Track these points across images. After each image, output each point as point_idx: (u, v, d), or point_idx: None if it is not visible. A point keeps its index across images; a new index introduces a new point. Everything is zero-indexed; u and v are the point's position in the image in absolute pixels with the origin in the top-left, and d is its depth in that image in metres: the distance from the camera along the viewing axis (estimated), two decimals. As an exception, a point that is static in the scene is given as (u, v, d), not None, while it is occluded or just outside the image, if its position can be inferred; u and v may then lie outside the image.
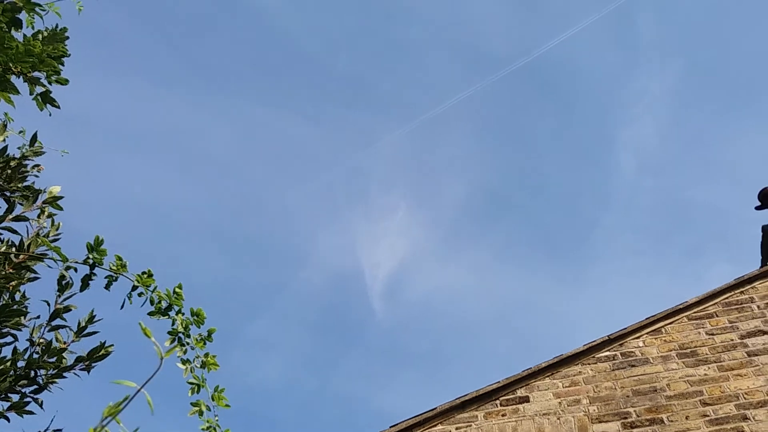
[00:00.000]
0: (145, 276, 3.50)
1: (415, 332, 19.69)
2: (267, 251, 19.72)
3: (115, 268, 3.55)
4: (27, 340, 3.72)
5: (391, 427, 5.25)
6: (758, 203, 6.59)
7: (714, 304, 5.86)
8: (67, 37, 3.80)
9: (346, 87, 19.96)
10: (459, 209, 20.52)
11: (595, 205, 20.10)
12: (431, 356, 18.83)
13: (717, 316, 5.78)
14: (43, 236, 3.78)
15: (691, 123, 19.12)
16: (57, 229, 3.89)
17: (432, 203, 20.66)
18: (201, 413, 3.34)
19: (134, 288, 3.49)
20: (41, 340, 3.77)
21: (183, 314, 3.51)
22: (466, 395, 5.43)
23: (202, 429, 3.23)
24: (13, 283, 3.65)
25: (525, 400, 5.41)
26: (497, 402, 5.43)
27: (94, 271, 3.58)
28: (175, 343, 3.45)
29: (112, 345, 3.82)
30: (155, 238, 16.86)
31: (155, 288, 3.49)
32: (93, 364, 3.82)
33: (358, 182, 20.56)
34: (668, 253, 18.64)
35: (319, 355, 18.85)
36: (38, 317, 3.75)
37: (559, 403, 5.39)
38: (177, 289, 3.49)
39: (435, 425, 5.33)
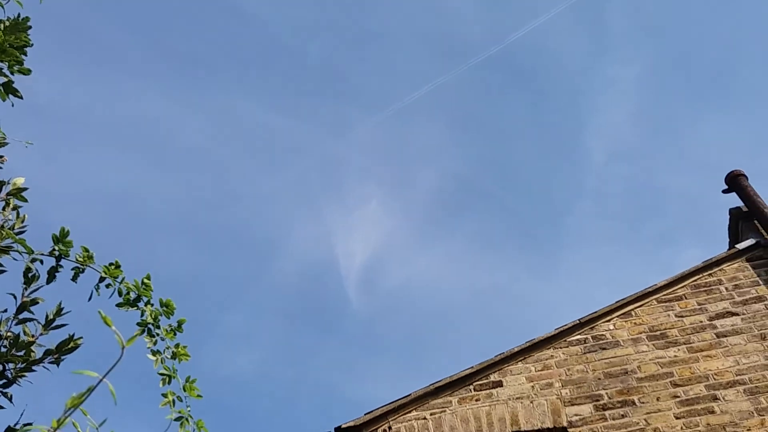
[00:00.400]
0: (113, 267, 3.47)
1: (392, 321, 19.78)
2: (240, 242, 19.65)
3: (81, 259, 3.51)
4: (-7, 334, 3.68)
5: (365, 414, 5.26)
6: (725, 187, 6.68)
7: (683, 287, 5.94)
8: (30, 27, 3.74)
9: (319, 76, 19.93)
10: (432, 198, 20.61)
11: (568, 192, 20.30)
12: (408, 345, 18.96)
13: (686, 298, 5.86)
14: (8, 229, 3.72)
15: (660, 110, 19.34)
16: (22, 222, 3.83)
17: (406, 192, 20.72)
18: (173, 404, 3.32)
19: (102, 279, 3.46)
20: (8, 334, 3.72)
21: (152, 305, 3.49)
22: (440, 381, 5.46)
23: (171, 419, 3.21)
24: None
25: (498, 384, 5.45)
26: (471, 387, 5.46)
27: (60, 263, 3.53)
28: (138, 331, 3.42)
29: (81, 337, 3.78)
30: (126, 230, 16.73)
31: (123, 279, 3.45)
32: (62, 357, 3.78)
33: (332, 171, 20.57)
34: (640, 240, 18.88)
35: (295, 346, 18.87)
36: (5, 311, 3.70)
37: (532, 387, 5.44)
38: (145, 280, 3.47)
39: (410, 411, 5.35)
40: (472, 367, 5.54)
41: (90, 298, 3.47)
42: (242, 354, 18.40)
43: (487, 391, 5.44)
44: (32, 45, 3.73)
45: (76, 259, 3.50)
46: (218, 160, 19.37)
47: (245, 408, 18.06)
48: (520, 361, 5.60)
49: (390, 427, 5.26)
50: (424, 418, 5.29)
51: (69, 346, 3.76)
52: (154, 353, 3.43)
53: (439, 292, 19.92)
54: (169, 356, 3.46)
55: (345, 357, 18.62)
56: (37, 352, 3.69)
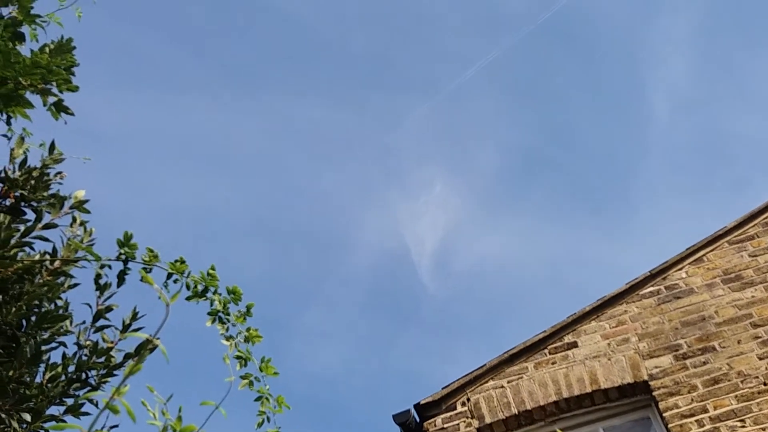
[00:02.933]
0: (178, 263, 3.59)
1: (469, 302, 19.95)
2: (310, 240, 20.08)
3: (147, 259, 3.65)
4: (74, 343, 3.85)
5: (443, 388, 5.31)
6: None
7: (754, 226, 5.82)
8: (74, 47, 3.90)
9: (365, 67, 20.10)
10: (495, 174, 20.68)
11: (633, 150, 19.99)
12: (487, 323, 19.07)
13: (758, 237, 5.75)
14: (78, 242, 3.89)
15: (721, 57, 18.75)
16: (90, 235, 4.00)
17: (468, 172, 20.81)
18: (251, 384, 3.43)
19: (169, 276, 3.59)
20: (88, 342, 3.89)
21: (220, 294, 3.61)
22: (513, 348, 5.49)
23: (236, 382, 3.34)
24: (51, 289, 3.76)
25: (573, 345, 5.45)
26: (545, 351, 5.48)
27: (128, 266, 3.68)
28: (210, 320, 3.54)
29: (158, 338, 3.93)
30: (197, 242, 17.21)
31: (189, 273, 3.58)
32: (142, 359, 3.93)
33: (391, 161, 20.81)
34: (714, 190, 18.43)
35: (376, 337, 19.20)
36: (83, 323, 3.88)
37: (608, 344, 5.42)
38: (211, 271, 3.59)
39: (486, 381, 5.38)
40: (545, 331, 5.57)
41: (160, 296, 3.61)
42: (324, 350, 18.78)
43: (563, 353, 5.44)
44: (78, 64, 3.90)
45: (143, 260, 3.64)
46: (278, 162, 19.78)
47: (335, 402, 18.42)
48: (593, 319, 5.59)
49: (468, 399, 5.30)
50: (502, 387, 5.32)
51: (146, 348, 3.92)
52: (227, 338, 3.56)
53: (513, 267, 19.97)
54: (242, 340, 3.58)
55: (426, 343, 18.82)
56: (117, 357, 3.86)
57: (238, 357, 3.54)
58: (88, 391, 3.77)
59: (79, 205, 3.98)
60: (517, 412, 5.26)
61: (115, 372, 3.83)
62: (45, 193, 3.98)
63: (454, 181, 20.34)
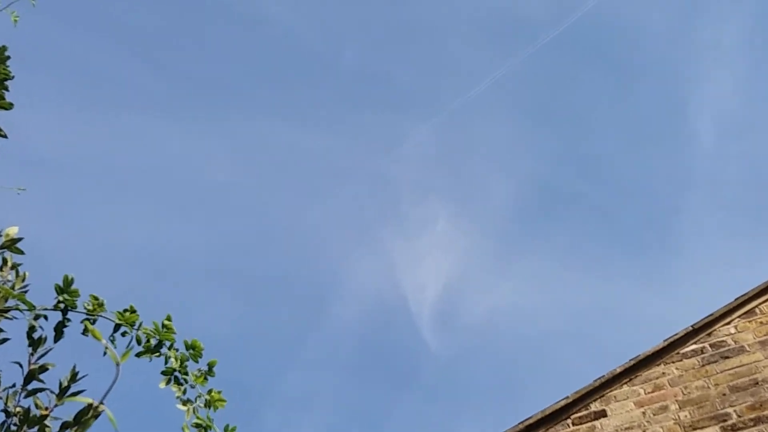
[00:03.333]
0: (128, 312, 3.60)
1: (477, 362, 19.65)
2: (291, 288, 19.94)
3: (91, 308, 3.66)
4: (1, 410, 3.82)
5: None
6: None
7: (815, 272, 5.84)
8: (8, 57, 3.95)
9: (358, 84, 20.21)
10: (510, 210, 20.55)
11: (674, 184, 19.95)
12: (498, 388, 18.75)
13: (821, 285, 5.76)
14: (8, 288, 3.89)
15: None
16: (23, 281, 4.00)
17: (477, 206, 20.71)
18: (213, 457, 3.42)
19: (116, 328, 3.59)
20: (18, 409, 3.85)
21: (177, 350, 3.61)
22: (529, 418, 5.47)
23: None
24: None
25: (601, 414, 5.42)
26: (568, 422, 5.45)
27: (67, 317, 3.68)
28: (164, 380, 3.53)
29: (102, 403, 3.91)
30: (153, 290, 17.05)
31: (140, 324, 3.58)
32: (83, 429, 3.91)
33: (386, 193, 20.73)
34: (769, 229, 18.35)
35: (366, 404, 18.92)
36: (13, 386, 3.85)
37: (643, 413, 5.39)
38: (166, 322, 3.59)
39: (497, 458, 5.35)
40: (568, 398, 5.56)
41: (105, 353, 3.60)
42: (305, 420, 18.50)
43: (589, 424, 5.42)
44: (13, 77, 3.95)
45: (85, 309, 3.65)
46: (252, 196, 19.70)
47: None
48: (626, 383, 5.57)
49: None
50: (517, 465, 5.29)
51: (89, 416, 3.90)
52: (184, 403, 3.54)
53: (530, 321, 19.77)
54: (202, 405, 3.57)
55: (426, 411, 18.56)
56: (53, 427, 3.83)
57: (197, 425, 3.53)
58: (18, 468, 3.74)
59: (11, 245, 3.98)
60: (534, 496, 5.22)
61: (50, 444, 3.80)
62: (-31, 230, 4.00)
63: (460, 217, 20.17)
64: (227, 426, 3.57)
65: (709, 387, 5.41)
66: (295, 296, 19.95)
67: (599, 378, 5.59)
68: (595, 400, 5.54)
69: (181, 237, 18.98)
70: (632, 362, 5.63)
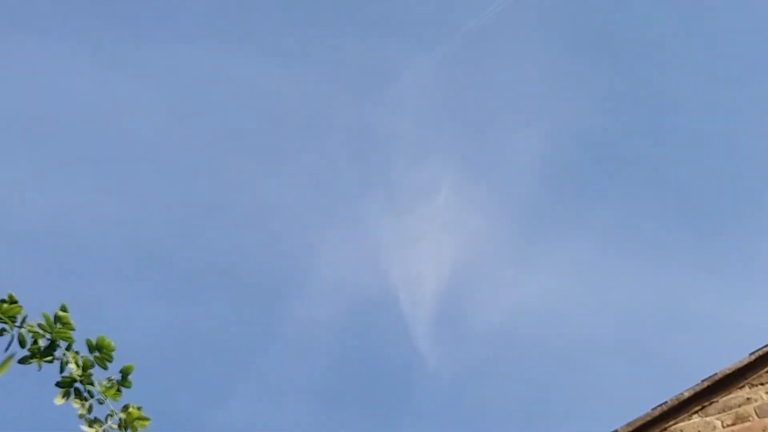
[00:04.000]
0: (5, 304, 3.53)
1: (492, 382, 18.44)
2: (239, 281, 18.81)
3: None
4: None
5: None
6: None
7: None
8: None
9: (338, 3, 19.15)
10: (537, 178, 19.28)
11: (766, 145, 18.95)
12: (522, 415, 17.66)
13: None
14: None
15: None
16: None
17: (494, 170, 19.45)
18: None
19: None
20: None
21: (77, 352, 3.54)
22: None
23: None
24: None
25: (664, 455, 5.39)
26: (619, 464, 5.42)
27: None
28: (61, 393, 3.47)
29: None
30: (50, 278, 16.02)
31: (24, 320, 3.51)
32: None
33: (371, 152, 19.45)
34: None
35: None
36: None
37: (721, 451, 5.35)
38: (60, 314, 3.53)
39: None
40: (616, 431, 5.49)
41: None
42: None
43: (648, 469, 5.38)
44: None
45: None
46: (188, 156, 18.41)
47: None
48: (696, 412, 5.56)
49: None
50: None
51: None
52: (90, 424, 3.46)
53: (565, 326, 18.61)
54: (115, 426, 3.50)
55: None
56: None
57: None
58: None
59: None
60: None
61: None
62: None
63: (471, 185, 18.90)
64: None
65: (812, 416, 5.37)
66: (245, 293, 18.79)
67: (660, 405, 5.59)
68: None
69: (87, 209, 17.67)
70: (706, 383, 5.60)
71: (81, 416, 3.45)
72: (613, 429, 5.57)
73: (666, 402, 5.58)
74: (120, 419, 3.49)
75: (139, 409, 3.55)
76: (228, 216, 19.29)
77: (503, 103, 19.11)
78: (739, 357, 5.68)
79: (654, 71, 18.62)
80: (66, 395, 3.47)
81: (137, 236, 18.55)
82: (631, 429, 5.53)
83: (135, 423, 3.51)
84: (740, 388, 5.59)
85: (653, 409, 5.57)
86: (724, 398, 5.57)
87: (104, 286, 16.74)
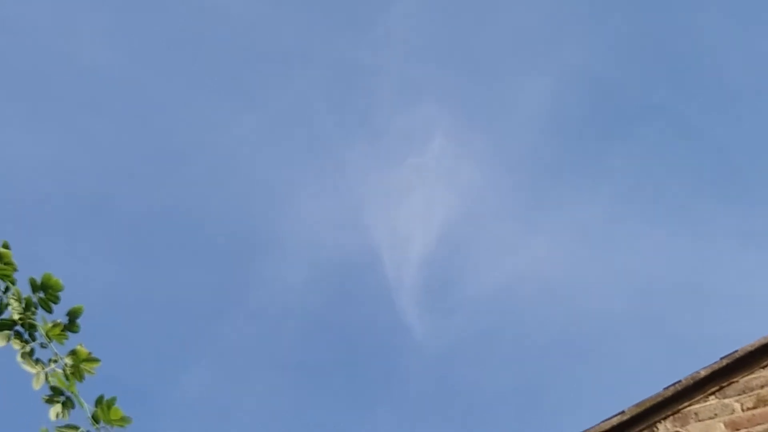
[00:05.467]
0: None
1: (488, 356, 17.36)
2: (202, 237, 17.90)
3: None
4: None
5: None
6: None
7: None
8: None
9: None
10: (545, 126, 17.99)
11: None
12: (521, 394, 16.70)
13: None
14: None
15: None
16: None
17: (494, 120, 18.31)
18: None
19: None
20: None
21: (18, 291, 3.48)
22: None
23: None
24: None
25: (675, 441, 5.35)
26: (624, 447, 5.38)
27: None
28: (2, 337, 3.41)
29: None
30: None
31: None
32: None
33: (354, 91, 18.37)
34: None
35: (315, 420, 16.70)
36: None
37: (740, 440, 5.29)
38: (2, 250, 3.47)
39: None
40: (623, 413, 5.43)
41: None
42: None
43: (656, 455, 5.35)
44: None
45: None
46: (141, 91, 17.27)
47: None
48: (713, 394, 5.44)
49: None
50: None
51: None
52: (32, 364, 3.39)
53: (572, 295, 17.53)
54: (60, 369, 3.43)
55: (407, 428, 16.58)
56: None
57: (49, 400, 3.36)
58: None
59: None
60: None
61: None
62: None
63: (468, 133, 17.72)
64: (101, 397, 3.43)
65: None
66: (206, 250, 17.81)
67: (673, 385, 5.45)
68: (664, 418, 5.43)
69: (21, 149, 16.70)
70: (725, 362, 5.48)
71: (23, 357, 3.37)
72: (620, 410, 5.45)
73: (680, 381, 5.46)
74: (65, 364, 3.40)
75: (89, 353, 3.48)
76: (188, 162, 18.51)
77: (507, 42, 18.14)
78: (764, 333, 5.53)
79: (679, 12, 17.71)
80: (6, 338, 3.39)
81: (82, 183, 17.71)
82: (640, 410, 5.42)
83: (83, 365, 3.43)
84: (763, 367, 5.46)
85: (665, 389, 5.44)
86: (745, 378, 5.45)
87: (41, 240, 16.15)
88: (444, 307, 17.79)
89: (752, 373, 5.46)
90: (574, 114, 18.46)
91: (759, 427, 5.24)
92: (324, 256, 18.17)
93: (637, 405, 5.47)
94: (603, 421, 5.49)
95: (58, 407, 3.34)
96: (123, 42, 17.60)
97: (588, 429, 5.47)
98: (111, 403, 3.37)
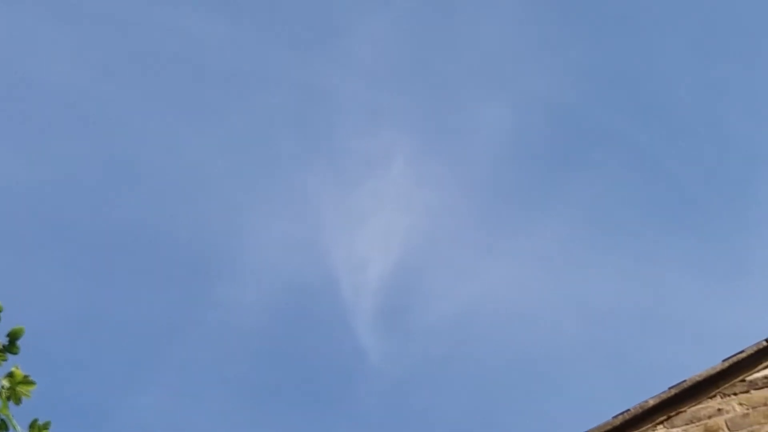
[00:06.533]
0: None
1: (444, 383, 17.55)
2: (155, 257, 17.93)
3: None
4: None
5: None
6: None
7: None
8: None
9: None
10: (505, 153, 18.32)
11: (765, 129, 18.11)
12: (475, 421, 16.84)
13: None
14: None
15: None
16: None
17: (453, 145, 18.42)
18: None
19: None
20: None
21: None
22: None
23: None
24: None
25: (621, 469, 5.39)
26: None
27: None
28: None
29: None
30: None
31: None
32: None
33: (314, 114, 18.42)
34: None
35: None
36: None
37: (686, 470, 5.33)
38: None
39: None
40: (571, 442, 5.45)
41: None
42: None
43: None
44: None
45: None
46: (99, 111, 17.18)
47: None
48: (661, 423, 5.53)
49: None
50: None
51: None
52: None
53: (527, 323, 17.68)
54: (-3, 392, 3.54)
55: None
56: None
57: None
58: None
59: None
60: None
61: None
62: None
63: (428, 158, 17.81)
64: (35, 420, 3.54)
65: (791, 434, 5.31)
66: (162, 271, 17.96)
67: (621, 414, 5.54)
68: None
69: None
70: (673, 391, 5.57)
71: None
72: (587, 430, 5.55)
73: (629, 410, 5.55)
74: (2, 386, 3.51)
75: (26, 377, 3.57)
76: (145, 181, 18.51)
77: (467, 68, 18.29)
78: (712, 363, 5.66)
79: (637, 42, 17.96)
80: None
81: (38, 201, 17.69)
82: (585, 441, 5.47)
83: (19, 388, 3.53)
84: (711, 397, 5.55)
85: (614, 418, 5.54)
86: (693, 408, 5.54)
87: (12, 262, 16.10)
88: (401, 331, 17.95)
89: (700, 403, 5.54)
90: (533, 141, 18.71)
91: (706, 457, 5.35)
92: (281, 277, 18.33)
93: (585, 434, 5.49)
94: (551, 448, 5.55)
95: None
96: (80, 59, 17.58)
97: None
98: (45, 427, 3.49)
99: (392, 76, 18.42)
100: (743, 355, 5.65)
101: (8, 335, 3.57)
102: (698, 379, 5.59)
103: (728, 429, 5.40)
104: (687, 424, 5.47)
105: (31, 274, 17.08)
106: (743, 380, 5.59)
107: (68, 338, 16.78)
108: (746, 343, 5.64)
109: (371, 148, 18.05)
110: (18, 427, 3.49)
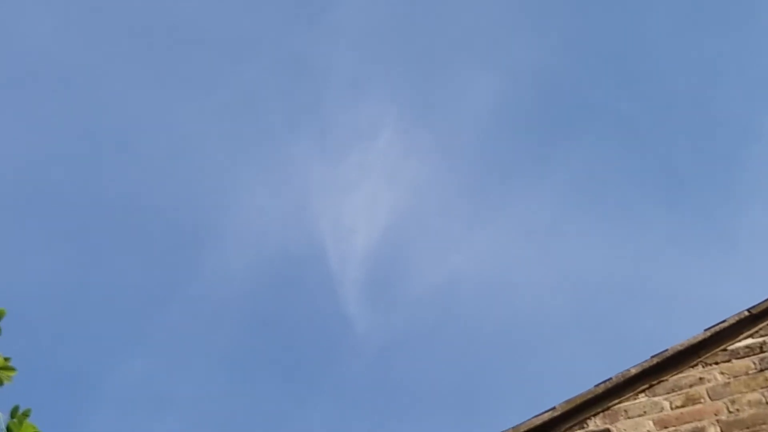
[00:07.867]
0: None
1: (428, 352, 17.92)
2: (141, 224, 18.15)
3: None
4: None
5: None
6: None
7: None
8: None
9: None
10: (492, 123, 18.67)
11: (754, 101, 18.33)
12: (459, 390, 17.25)
13: None
14: None
15: None
16: None
17: (441, 116, 18.66)
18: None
19: None
20: None
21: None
22: (498, 437, 5.44)
23: None
24: None
25: (604, 434, 5.39)
26: (553, 445, 5.44)
27: None
28: None
29: None
30: None
31: None
32: None
33: (301, 84, 18.62)
34: None
35: (252, 411, 17.18)
36: None
37: (667, 436, 5.34)
38: None
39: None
40: (554, 409, 5.51)
41: None
42: (154, 429, 16.95)
43: (584, 449, 5.39)
44: None
45: None
46: (85, 80, 17.32)
47: None
48: (643, 392, 5.55)
49: None
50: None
51: None
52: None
53: (512, 294, 18.06)
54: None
55: (346, 421, 17.00)
56: None
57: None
58: None
59: None
60: None
61: None
62: None
63: (415, 128, 18.17)
64: (16, 407, 3.51)
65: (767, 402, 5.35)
66: (148, 239, 18.23)
67: (604, 382, 5.57)
68: (594, 415, 5.52)
69: None
70: (655, 360, 5.59)
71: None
72: (552, 406, 5.55)
73: (611, 379, 5.57)
74: None
75: (7, 359, 3.55)
76: (132, 150, 18.61)
77: (455, 39, 18.62)
78: (694, 332, 5.68)
79: (627, 13, 17.94)
80: None
81: (22, 171, 17.78)
82: (571, 406, 5.52)
83: (0, 374, 3.51)
84: (692, 366, 5.58)
85: (596, 386, 5.56)
86: (675, 377, 5.57)
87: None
88: (387, 301, 18.06)
89: (681, 372, 5.58)
90: (520, 112, 18.69)
91: (687, 426, 5.33)
92: (268, 247, 18.61)
93: (568, 401, 5.56)
94: (534, 417, 5.57)
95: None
96: (67, 27, 17.44)
97: (519, 424, 5.54)
98: (25, 416, 3.45)
99: (379, 47, 18.39)
100: (725, 324, 5.67)
101: (-12, 316, 3.51)
102: (680, 348, 5.61)
103: (709, 398, 5.43)
104: (668, 393, 5.50)
105: (20, 243, 17.28)
106: (725, 350, 5.62)
107: (58, 305, 16.98)
108: (730, 313, 5.64)
109: (358, 118, 18.01)
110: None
